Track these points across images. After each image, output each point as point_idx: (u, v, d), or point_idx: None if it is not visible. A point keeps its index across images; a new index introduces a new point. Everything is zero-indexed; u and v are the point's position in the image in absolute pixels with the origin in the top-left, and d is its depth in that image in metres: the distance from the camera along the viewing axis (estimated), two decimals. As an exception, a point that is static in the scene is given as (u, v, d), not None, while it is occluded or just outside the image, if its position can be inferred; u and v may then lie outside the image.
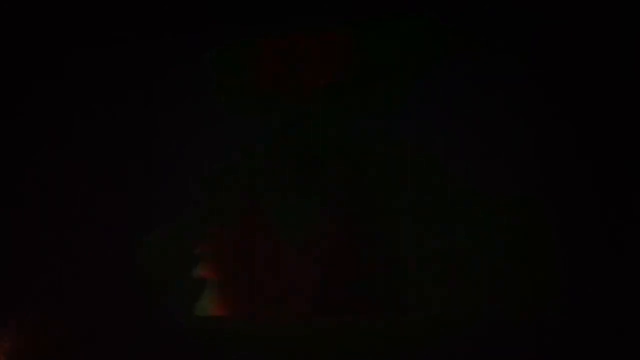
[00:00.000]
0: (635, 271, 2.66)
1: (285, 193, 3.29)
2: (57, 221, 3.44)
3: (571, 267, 2.76)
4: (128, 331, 3.23)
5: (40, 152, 3.52)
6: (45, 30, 3.55)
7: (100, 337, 3.24)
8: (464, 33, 3.01)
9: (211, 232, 3.32)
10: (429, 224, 2.97)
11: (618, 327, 2.64)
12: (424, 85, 3.08)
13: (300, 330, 3.08)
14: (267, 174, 3.35)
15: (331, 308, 3.08)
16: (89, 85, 3.51)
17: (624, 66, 2.78)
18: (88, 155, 3.48)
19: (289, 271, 3.21)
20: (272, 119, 3.34)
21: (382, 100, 3.19)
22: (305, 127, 3.27)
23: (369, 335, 2.94)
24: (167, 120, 3.43)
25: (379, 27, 3.23)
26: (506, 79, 2.93)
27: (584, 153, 2.81)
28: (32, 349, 3.30)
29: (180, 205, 3.35)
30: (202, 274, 3.28)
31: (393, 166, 3.14)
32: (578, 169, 2.81)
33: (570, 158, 2.83)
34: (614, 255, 2.71)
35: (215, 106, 3.39)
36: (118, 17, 3.49)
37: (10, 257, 3.43)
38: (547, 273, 2.79)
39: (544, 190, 2.85)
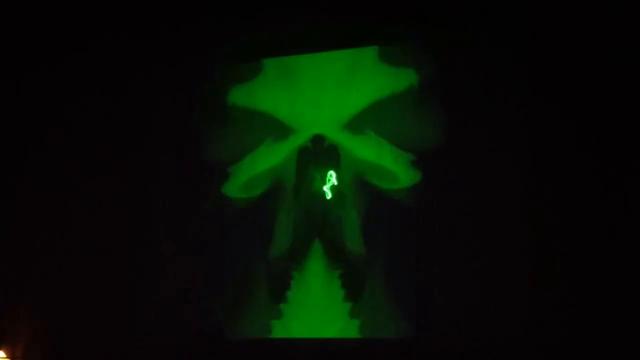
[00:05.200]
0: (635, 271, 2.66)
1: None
2: (63, 224, 3.44)
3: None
4: (125, 334, 3.24)
5: (39, 151, 3.53)
6: (45, 30, 3.56)
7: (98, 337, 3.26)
8: (463, 33, 3.01)
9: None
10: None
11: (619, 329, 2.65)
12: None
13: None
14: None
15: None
16: (88, 85, 3.50)
17: (623, 66, 2.78)
18: (86, 154, 3.49)
19: None
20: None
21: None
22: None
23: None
24: (166, 119, 3.44)
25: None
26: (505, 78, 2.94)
27: (584, 152, 2.81)
28: (40, 352, 3.32)
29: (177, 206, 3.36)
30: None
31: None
32: (577, 167, 2.81)
33: (569, 157, 2.83)
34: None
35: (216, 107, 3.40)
36: (117, 17, 3.49)
37: (11, 260, 3.44)
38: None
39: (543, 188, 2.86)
